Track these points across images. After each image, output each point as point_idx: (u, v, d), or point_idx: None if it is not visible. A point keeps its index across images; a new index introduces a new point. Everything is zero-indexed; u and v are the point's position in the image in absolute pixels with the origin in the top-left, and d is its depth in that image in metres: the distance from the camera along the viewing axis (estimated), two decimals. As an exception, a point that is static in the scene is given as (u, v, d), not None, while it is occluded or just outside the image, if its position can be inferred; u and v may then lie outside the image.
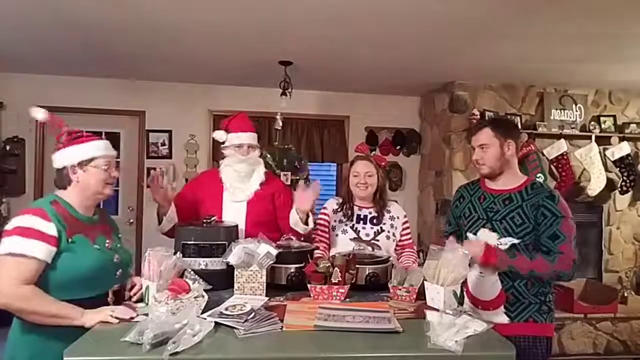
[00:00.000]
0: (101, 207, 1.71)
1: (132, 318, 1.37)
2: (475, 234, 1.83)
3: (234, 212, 2.16)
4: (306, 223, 2.12)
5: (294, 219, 2.12)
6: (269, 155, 3.64)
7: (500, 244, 1.75)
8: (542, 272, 1.67)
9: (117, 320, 1.35)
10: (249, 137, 2.25)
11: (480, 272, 1.79)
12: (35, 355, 1.42)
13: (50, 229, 1.41)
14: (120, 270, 1.60)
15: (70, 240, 1.45)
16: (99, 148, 1.58)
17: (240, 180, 2.20)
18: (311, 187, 2.11)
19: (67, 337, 1.27)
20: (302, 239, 2.11)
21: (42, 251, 1.38)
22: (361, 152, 2.28)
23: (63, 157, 1.55)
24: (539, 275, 1.68)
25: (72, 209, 1.53)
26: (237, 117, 2.32)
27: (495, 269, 1.73)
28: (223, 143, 2.29)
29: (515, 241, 1.73)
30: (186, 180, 4.41)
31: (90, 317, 1.37)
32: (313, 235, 2.25)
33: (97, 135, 1.65)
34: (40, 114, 1.58)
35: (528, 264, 1.67)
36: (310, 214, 2.12)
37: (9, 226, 1.42)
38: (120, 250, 1.63)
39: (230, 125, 2.28)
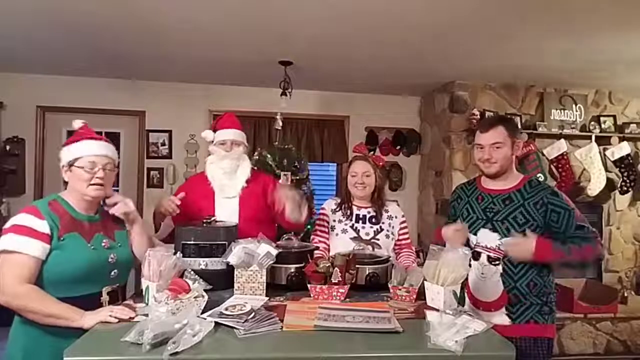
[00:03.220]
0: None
1: (132, 318, 1.37)
2: (475, 234, 1.83)
3: (226, 209, 2.16)
4: (299, 216, 2.11)
5: (289, 209, 2.09)
6: (269, 155, 3.64)
7: (502, 245, 1.75)
8: (591, 257, 1.68)
9: (117, 320, 1.35)
10: (233, 134, 2.25)
11: (482, 274, 1.79)
12: (31, 346, 1.43)
13: (43, 226, 1.43)
14: (115, 270, 1.59)
15: (61, 238, 1.46)
16: (85, 148, 1.57)
17: (227, 177, 2.20)
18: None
19: (63, 331, 1.28)
20: (301, 235, 2.12)
21: (36, 248, 1.40)
22: (359, 152, 2.29)
23: (61, 157, 1.58)
24: (587, 262, 1.69)
25: (71, 208, 1.54)
26: (224, 116, 2.34)
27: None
28: (212, 143, 2.29)
29: None
30: (186, 180, 4.41)
31: (89, 319, 1.37)
32: (312, 236, 2.25)
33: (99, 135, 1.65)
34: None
35: (580, 253, 1.65)
36: (301, 202, 2.12)
37: (6, 225, 1.45)
38: (119, 250, 1.62)
39: (217, 124, 2.31)
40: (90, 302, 1.46)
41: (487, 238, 1.79)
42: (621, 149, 4.13)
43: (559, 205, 1.71)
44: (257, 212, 2.20)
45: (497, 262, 1.76)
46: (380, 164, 2.29)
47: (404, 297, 1.67)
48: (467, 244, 1.85)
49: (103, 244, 1.57)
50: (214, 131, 2.28)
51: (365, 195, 2.21)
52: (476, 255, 1.81)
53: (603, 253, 1.74)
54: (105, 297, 1.54)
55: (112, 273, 1.58)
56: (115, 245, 1.62)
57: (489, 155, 1.79)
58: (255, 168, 2.45)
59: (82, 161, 1.54)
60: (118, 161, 1.68)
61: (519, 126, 4.02)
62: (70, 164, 1.55)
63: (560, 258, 1.67)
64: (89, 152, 1.56)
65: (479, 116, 3.97)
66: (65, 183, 1.59)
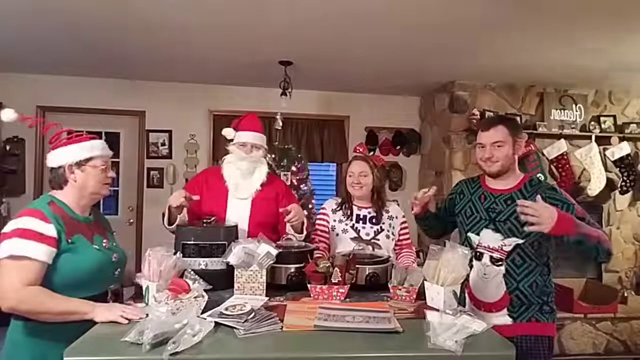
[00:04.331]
0: (99, 204, 1.71)
1: (142, 318, 1.36)
2: (478, 234, 1.83)
3: (238, 211, 2.16)
4: (301, 231, 2.12)
5: (289, 228, 2.13)
6: (269, 155, 3.64)
7: (505, 245, 1.75)
8: (608, 244, 1.59)
9: (127, 321, 1.34)
10: (254, 137, 2.25)
11: (485, 274, 1.79)
12: (38, 356, 1.41)
13: (50, 230, 1.41)
14: (118, 269, 1.61)
15: (69, 240, 1.45)
16: (96, 148, 1.58)
17: (243, 178, 2.20)
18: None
19: (69, 340, 1.26)
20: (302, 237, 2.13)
21: (44, 253, 1.38)
22: (359, 152, 2.30)
23: (59, 157, 1.55)
24: (602, 244, 1.57)
25: (69, 209, 1.53)
26: (247, 117, 2.33)
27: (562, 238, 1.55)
28: (231, 141, 2.29)
29: (520, 241, 1.73)
30: (186, 180, 4.42)
31: (101, 313, 1.36)
32: (313, 236, 2.25)
33: (96, 135, 1.65)
34: (11, 115, 1.59)
35: (596, 232, 1.57)
36: (304, 220, 2.13)
37: (7, 229, 1.40)
38: (117, 249, 1.64)
39: (240, 124, 2.30)
40: (99, 302, 1.45)
41: (490, 238, 1.78)
42: (621, 149, 4.13)
43: (557, 199, 1.71)
44: (268, 217, 2.21)
45: (500, 263, 1.76)
46: (380, 163, 2.29)
47: (404, 297, 1.67)
48: (469, 243, 1.85)
49: (104, 244, 1.58)
50: (236, 130, 2.28)
51: (362, 195, 2.21)
52: (479, 256, 1.81)
53: (611, 247, 1.65)
54: (111, 296, 1.55)
55: (116, 272, 1.60)
56: (112, 246, 1.63)
57: (489, 154, 1.79)
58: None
59: (97, 161, 1.55)
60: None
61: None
62: (81, 163, 1.54)
63: (580, 230, 1.52)
64: (101, 152, 1.58)
65: (479, 116, 3.98)
66: (58, 183, 1.56)
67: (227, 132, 2.30)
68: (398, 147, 4.81)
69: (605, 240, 1.61)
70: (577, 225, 1.53)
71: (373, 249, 2.10)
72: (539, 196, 1.58)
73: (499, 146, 1.78)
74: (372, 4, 2.47)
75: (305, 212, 2.22)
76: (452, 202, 2.00)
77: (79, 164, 1.54)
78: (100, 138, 1.65)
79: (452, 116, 4.12)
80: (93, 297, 1.46)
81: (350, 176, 2.20)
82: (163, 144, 4.50)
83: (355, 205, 2.23)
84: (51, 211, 1.46)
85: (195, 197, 2.03)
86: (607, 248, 1.61)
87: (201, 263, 1.78)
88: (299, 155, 3.94)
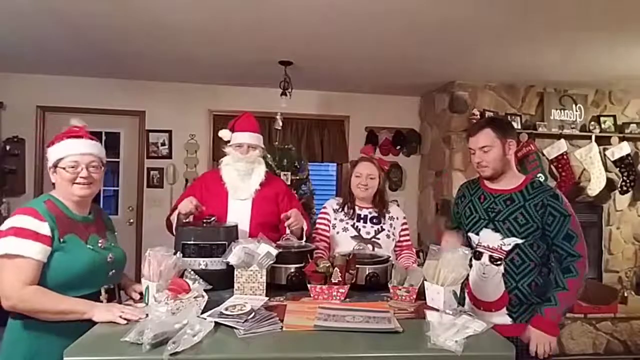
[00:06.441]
0: (99, 205, 1.69)
1: (141, 318, 1.36)
2: (477, 234, 1.83)
3: (238, 212, 2.16)
4: (300, 237, 2.11)
5: (289, 231, 2.11)
6: (269, 155, 3.64)
7: (504, 245, 1.75)
8: (578, 289, 1.70)
9: (126, 322, 1.34)
10: (250, 137, 2.24)
11: (484, 274, 1.79)
12: (33, 353, 1.42)
13: (44, 228, 1.41)
14: (113, 269, 1.60)
15: (61, 240, 1.45)
16: (69, 148, 1.54)
17: (241, 179, 2.20)
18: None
19: (66, 335, 1.27)
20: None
21: (38, 251, 1.39)
22: (366, 154, 2.30)
23: (48, 157, 1.56)
24: (579, 292, 1.71)
25: (66, 207, 1.53)
26: (242, 117, 2.32)
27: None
28: (228, 142, 2.29)
29: (519, 241, 1.73)
30: (186, 180, 4.42)
31: (100, 313, 1.37)
32: (313, 235, 2.25)
33: (94, 135, 1.64)
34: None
35: (569, 296, 1.68)
36: (304, 225, 2.13)
37: (2, 227, 1.41)
38: (114, 250, 1.63)
39: (235, 125, 2.29)
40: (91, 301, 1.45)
41: (489, 238, 1.79)
42: (621, 149, 4.12)
43: (556, 209, 1.71)
44: (269, 217, 2.21)
45: (499, 262, 1.76)
46: (385, 167, 2.30)
47: (404, 297, 1.67)
48: (468, 243, 1.85)
49: (99, 244, 1.57)
50: (232, 131, 2.27)
51: (367, 197, 2.22)
52: (478, 255, 1.81)
53: (586, 273, 1.74)
54: (104, 295, 1.54)
55: (110, 273, 1.59)
56: (109, 246, 1.62)
57: (479, 159, 1.80)
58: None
59: (65, 161, 1.52)
60: (105, 160, 1.64)
61: (519, 125, 4.03)
62: (55, 165, 1.53)
63: (561, 315, 1.70)
64: (72, 151, 1.53)
65: (479, 116, 3.97)
66: (54, 184, 1.57)
67: (224, 134, 2.29)
68: (398, 147, 4.81)
69: (580, 284, 1.70)
70: (560, 314, 1.68)
71: (373, 248, 2.11)
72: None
73: (487, 150, 1.78)
74: (372, 4, 2.47)
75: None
76: (456, 208, 2.01)
77: (55, 165, 1.54)
78: (100, 138, 1.64)
79: (452, 116, 4.12)
80: (84, 296, 1.46)
81: (357, 177, 2.20)
82: (163, 144, 4.50)
83: (357, 206, 2.24)
84: (46, 209, 1.46)
85: (202, 208, 2.04)
86: (581, 285, 1.71)
87: (201, 263, 1.78)
88: (299, 156, 3.94)
